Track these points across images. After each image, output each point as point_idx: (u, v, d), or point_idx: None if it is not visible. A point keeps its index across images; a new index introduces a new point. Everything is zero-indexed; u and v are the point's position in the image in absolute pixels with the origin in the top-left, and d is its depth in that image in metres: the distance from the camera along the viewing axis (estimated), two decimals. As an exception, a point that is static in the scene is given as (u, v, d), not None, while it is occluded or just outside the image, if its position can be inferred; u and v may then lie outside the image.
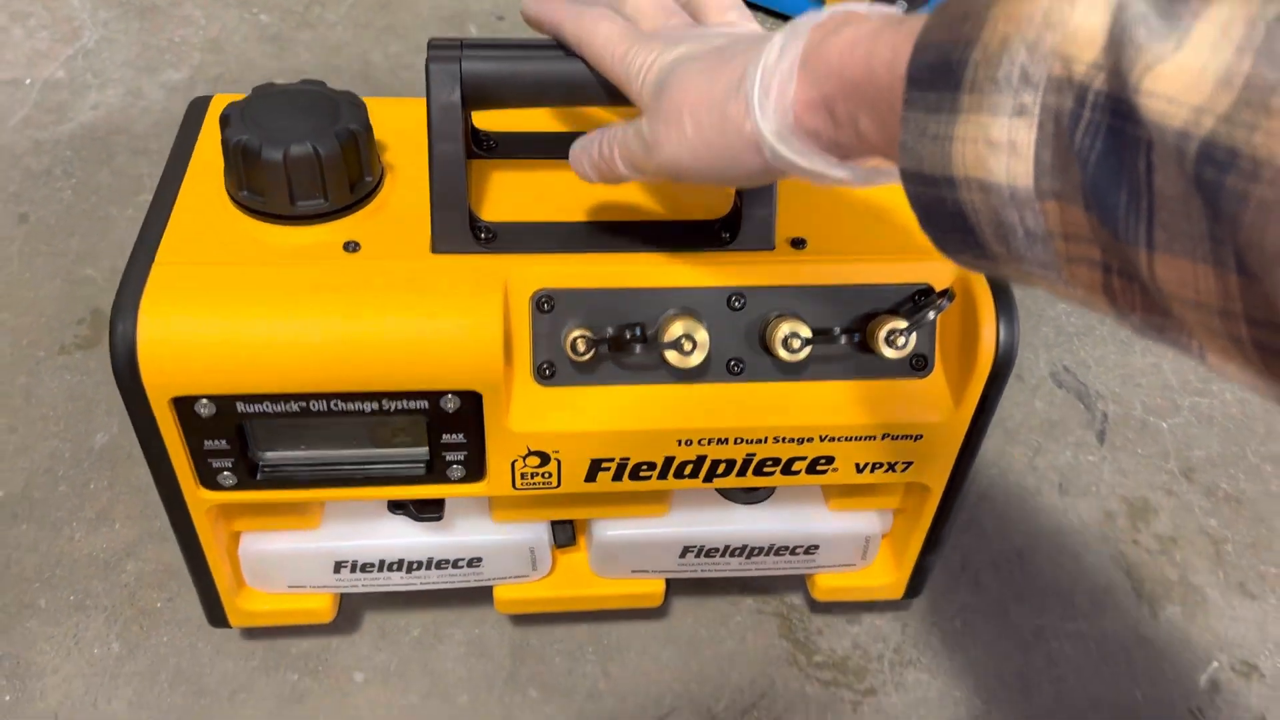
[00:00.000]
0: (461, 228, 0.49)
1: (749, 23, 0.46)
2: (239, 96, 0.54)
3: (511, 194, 0.52)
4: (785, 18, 0.99)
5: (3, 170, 0.83)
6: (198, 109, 0.56)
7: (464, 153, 0.48)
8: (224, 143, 0.48)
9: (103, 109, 0.87)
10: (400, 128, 0.54)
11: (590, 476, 0.52)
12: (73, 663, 0.63)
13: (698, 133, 0.40)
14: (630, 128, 0.44)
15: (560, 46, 0.47)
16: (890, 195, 0.53)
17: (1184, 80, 0.24)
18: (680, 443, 0.51)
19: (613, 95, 0.47)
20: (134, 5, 0.94)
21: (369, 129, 0.50)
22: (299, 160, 0.47)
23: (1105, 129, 0.26)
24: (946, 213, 0.31)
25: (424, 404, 0.48)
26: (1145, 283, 0.27)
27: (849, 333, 0.50)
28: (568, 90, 0.47)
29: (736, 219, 0.50)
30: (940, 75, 0.30)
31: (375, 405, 0.48)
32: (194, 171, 0.52)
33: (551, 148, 0.54)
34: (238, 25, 0.94)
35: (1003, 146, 0.29)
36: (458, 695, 0.63)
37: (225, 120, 0.48)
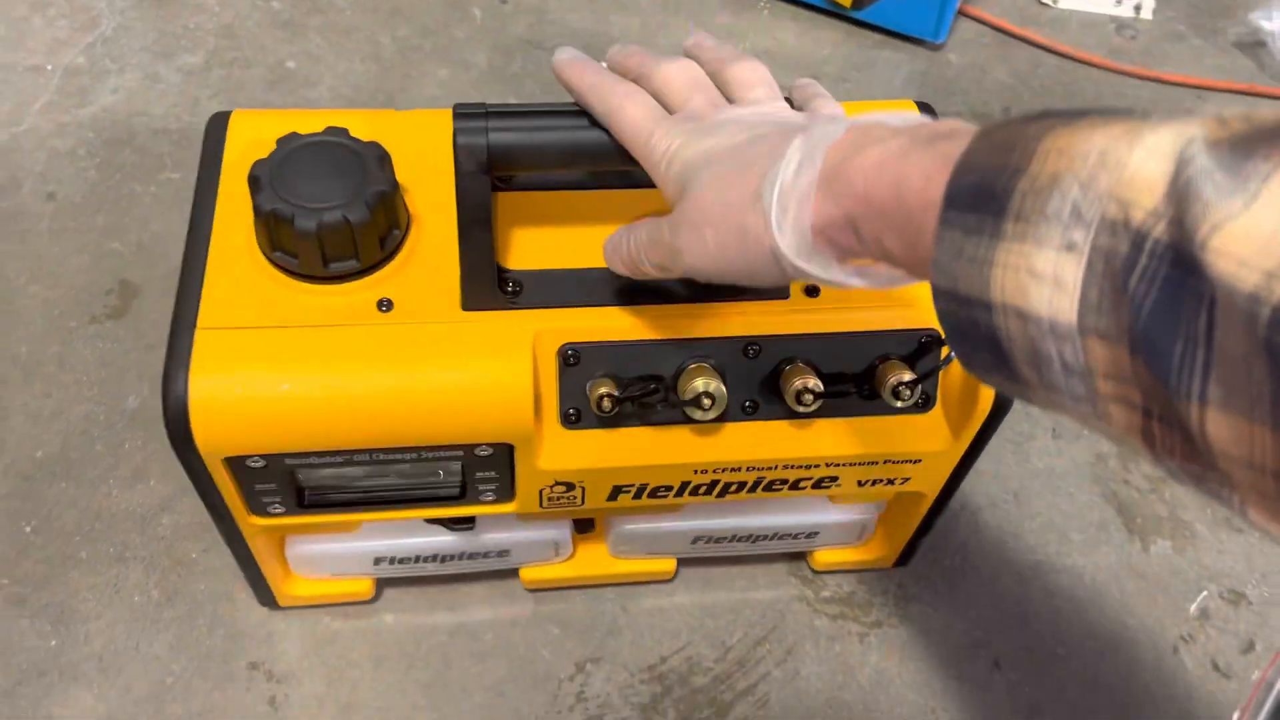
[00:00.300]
0: (490, 287, 0.51)
1: (776, 100, 0.48)
2: (259, 114, 0.57)
3: (533, 234, 0.54)
4: (889, 33, 1.02)
5: (29, 152, 0.85)
6: (217, 128, 0.56)
7: (490, 218, 0.49)
8: (255, 209, 0.49)
9: (122, 92, 0.90)
10: (420, 156, 0.54)
11: (612, 498, 0.57)
12: (114, 610, 0.66)
13: (718, 243, 0.41)
14: (655, 230, 0.45)
15: (582, 111, 0.49)
16: None
17: (1256, 243, 0.24)
18: (696, 471, 0.55)
19: (635, 163, 0.49)
20: (149, -6, 0.97)
21: (396, 186, 0.51)
22: (332, 229, 0.48)
23: (1163, 278, 0.26)
24: (979, 334, 0.31)
25: (459, 453, 0.52)
26: (1191, 434, 0.27)
27: (858, 382, 0.53)
28: (592, 159, 0.49)
29: None
30: (982, 199, 0.30)
31: (415, 455, 0.52)
32: (222, 217, 0.53)
33: (570, 176, 0.56)
34: (250, 12, 0.97)
35: (1047, 279, 0.29)
36: (483, 633, 0.66)
37: (255, 183, 0.49)
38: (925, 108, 0.61)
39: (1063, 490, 0.75)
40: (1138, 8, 1.04)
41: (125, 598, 0.66)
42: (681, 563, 0.69)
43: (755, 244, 0.39)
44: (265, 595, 0.64)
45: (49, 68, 0.91)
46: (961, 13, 1.02)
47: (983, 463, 0.75)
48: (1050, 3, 1.04)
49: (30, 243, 0.80)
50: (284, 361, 0.49)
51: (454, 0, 0.99)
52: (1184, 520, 0.74)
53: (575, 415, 0.53)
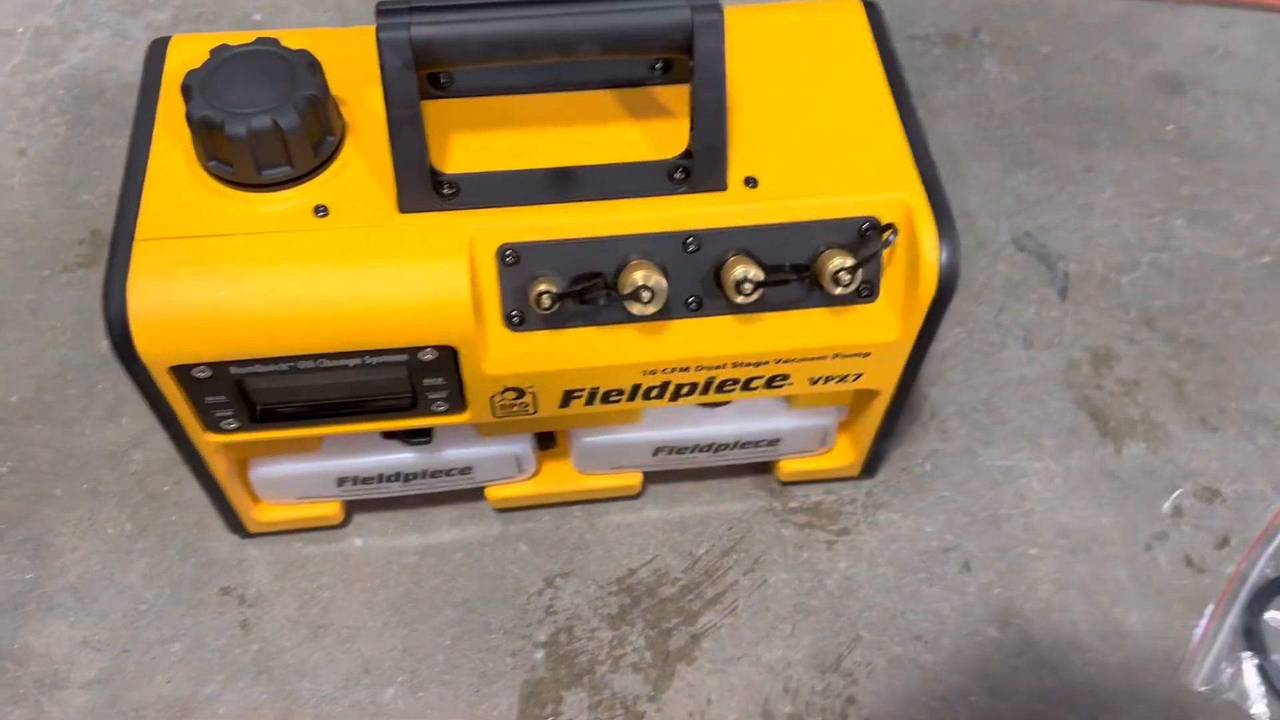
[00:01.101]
0: (424, 188, 0.51)
1: None
2: (197, 37, 0.57)
3: (470, 138, 0.54)
4: None
5: (0, 110, 0.86)
6: (157, 53, 0.57)
7: (420, 116, 0.49)
8: (187, 116, 0.50)
9: (91, 51, 0.91)
10: (356, 68, 0.54)
11: (564, 404, 0.57)
12: (89, 542, 0.66)
13: None
14: None
15: (510, 3, 0.48)
16: (836, 130, 0.55)
17: None
18: (645, 373, 0.55)
19: (563, 51, 0.49)
20: (117, -43, 0.98)
21: (327, 92, 0.51)
22: (262, 134, 0.49)
23: None
24: None
25: (403, 358, 0.52)
26: None
27: (799, 271, 0.53)
28: (519, 50, 0.49)
29: (689, 159, 0.52)
30: None
31: (359, 361, 0.52)
32: (160, 135, 0.53)
33: (507, 78, 0.56)
34: (217, -32, 0.97)
35: None
36: (453, 553, 0.67)
37: (186, 92, 0.50)
38: (870, 5, 0.61)
39: (1034, 398, 0.74)
40: (1110, -75, 1.02)
41: (99, 531, 0.67)
42: (648, 479, 0.69)
43: None
44: (234, 522, 0.65)
45: (19, 30, 0.92)
46: (929, -63, 1.01)
47: (952, 373, 0.75)
48: (1021, -76, 1.03)
49: (3, 197, 0.81)
50: (221, 268, 0.49)
51: (419, -52, 0.99)
52: (1158, 422, 0.73)
53: (519, 318, 0.53)
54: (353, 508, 0.68)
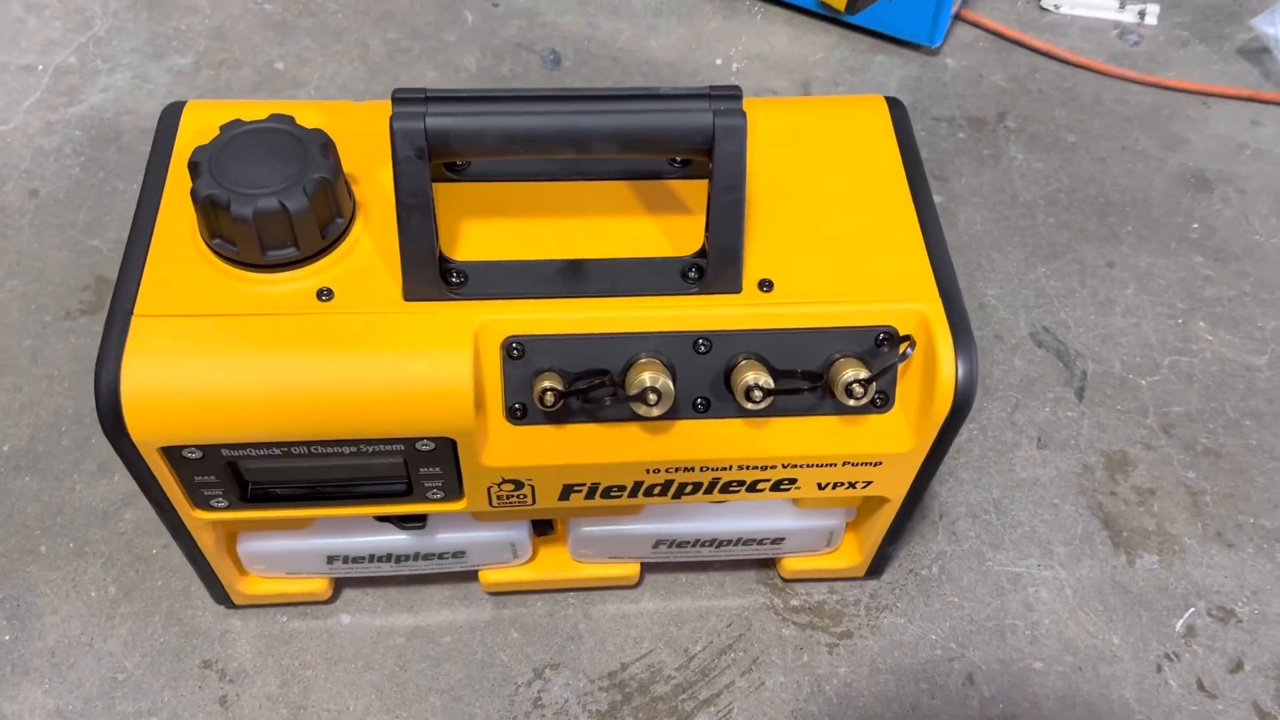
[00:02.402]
0: (432, 277, 0.49)
1: None
2: (213, 104, 0.56)
3: (481, 225, 0.53)
4: (883, 37, 1.01)
5: (15, 149, 0.86)
6: (170, 119, 0.56)
7: (431, 205, 0.48)
8: (193, 194, 0.48)
9: (111, 92, 0.90)
10: (372, 145, 0.53)
11: (563, 497, 0.55)
12: (70, 604, 0.65)
13: None
14: None
15: (528, 98, 0.47)
16: (855, 234, 0.54)
17: None
18: (649, 471, 0.54)
19: (580, 149, 0.48)
20: (144, -3, 0.98)
21: (339, 173, 0.50)
22: (268, 215, 0.47)
23: None
24: None
25: (400, 447, 0.51)
26: None
27: (811, 380, 0.51)
28: (533, 145, 0.48)
29: (704, 259, 0.51)
30: None
31: (354, 449, 0.51)
32: (167, 206, 0.52)
33: (522, 166, 0.55)
34: (241, 14, 0.97)
35: None
36: (442, 636, 0.65)
37: (194, 169, 0.49)
38: (894, 103, 0.60)
39: (1046, 501, 0.72)
40: (1142, 13, 1.02)
41: (82, 593, 0.65)
42: (646, 569, 0.67)
43: None
44: (219, 593, 0.63)
45: (40, 67, 0.92)
46: (958, 17, 1.00)
47: (963, 471, 0.73)
48: (1051, 8, 1.02)
49: (10, 238, 0.81)
50: (218, 349, 0.48)
51: (446, 3, 0.99)
52: (1172, 534, 0.71)
53: (521, 411, 0.51)
54: (342, 583, 0.66)
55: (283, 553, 0.61)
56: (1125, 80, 0.97)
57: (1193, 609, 0.68)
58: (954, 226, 0.85)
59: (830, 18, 0.99)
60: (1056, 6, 1.02)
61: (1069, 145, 0.92)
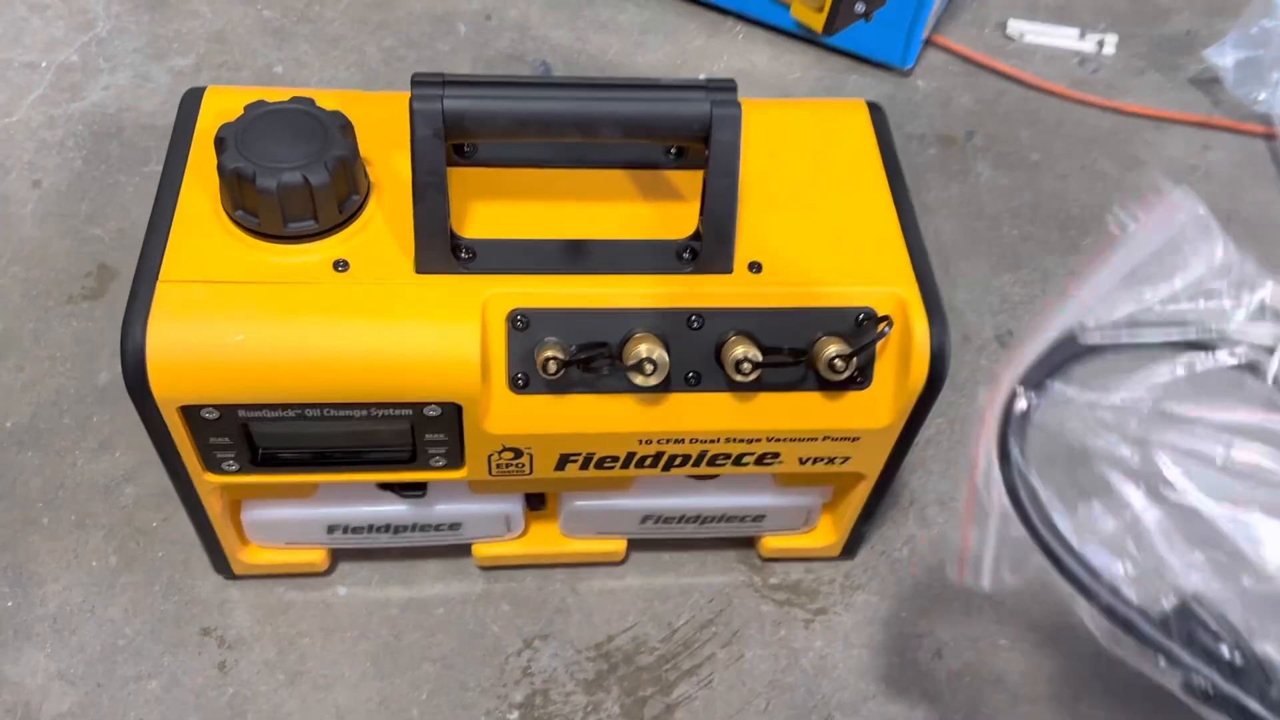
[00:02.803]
0: (443, 251, 0.53)
1: None
2: (232, 90, 0.59)
3: (490, 206, 0.56)
4: (858, 59, 1.05)
5: (19, 141, 0.88)
6: (191, 102, 0.59)
7: (445, 182, 0.51)
8: (220, 168, 0.51)
9: (113, 89, 0.93)
10: (384, 131, 0.57)
11: (560, 467, 0.58)
12: (72, 573, 0.67)
13: None
14: None
15: (538, 84, 0.51)
16: (838, 224, 0.58)
17: None
18: (641, 441, 0.57)
19: (587, 133, 0.51)
20: (144, 0, 1.01)
21: (356, 153, 0.53)
22: (291, 188, 0.51)
23: None
24: None
25: (409, 412, 0.54)
26: None
27: (796, 355, 0.55)
28: (544, 128, 0.51)
29: (698, 241, 0.55)
30: None
31: (365, 413, 0.54)
32: (190, 182, 0.55)
33: (526, 152, 0.58)
34: (241, 19, 1.00)
35: None
36: (435, 608, 0.67)
37: (220, 144, 0.52)
38: (874, 107, 0.64)
39: (1010, 491, 0.76)
40: (1100, 43, 1.07)
41: (83, 562, 0.67)
42: (632, 545, 0.70)
43: None
44: (221, 563, 0.65)
45: (44, 64, 0.94)
46: (929, 42, 1.05)
47: (933, 463, 0.77)
48: (1015, 36, 1.08)
49: (14, 226, 0.83)
50: (240, 314, 0.51)
51: (440, 15, 1.03)
52: (1128, 523, 0.75)
53: (524, 380, 0.55)
54: (338, 556, 0.68)
55: (285, 521, 0.63)
56: (1085, 104, 1.02)
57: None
58: (925, 235, 0.89)
59: (808, 39, 1.04)
60: (1021, 35, 1.08)
61: (1033, 163, 0.97)
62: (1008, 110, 1.01)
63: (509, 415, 0.55)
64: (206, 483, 0.57)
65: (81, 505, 0.69)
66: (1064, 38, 1.08)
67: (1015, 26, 1.08)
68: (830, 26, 1.01)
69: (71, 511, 0.69)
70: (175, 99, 0.92)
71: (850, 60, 1.03)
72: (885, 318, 0.55)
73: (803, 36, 1.04)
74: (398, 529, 0.65)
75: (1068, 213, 0.94)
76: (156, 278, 0.52)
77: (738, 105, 0.52)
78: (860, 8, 0.99)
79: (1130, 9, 1.12)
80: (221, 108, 0.58)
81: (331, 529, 0.64)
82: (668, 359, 0.53)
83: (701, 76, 0.53)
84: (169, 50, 0.97)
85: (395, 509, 0.63)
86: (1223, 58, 1.01)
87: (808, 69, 1.03)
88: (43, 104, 0.91)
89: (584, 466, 0.58)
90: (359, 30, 1.01)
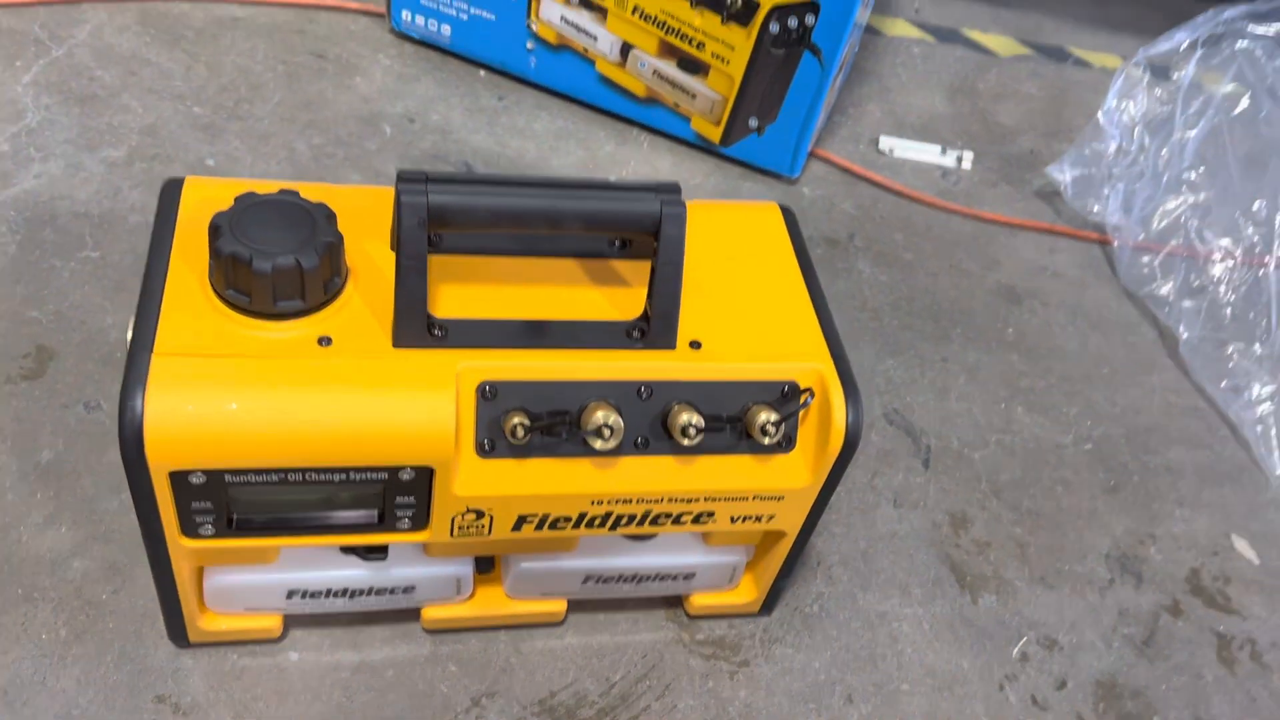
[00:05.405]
0: (420, 328, 0.59)
1: None
2: (211, 181, 0.64)
3: (458, 289, 0.63)
4: (751, 168, 1.15)
5: (-51, 226, 0.90)
6: (172, 191, 0.64)
7: (425, 267, 0.57)
8: (215, 251, 0.56)
9: (45, 178, 0.95)
10: (360, 221, 0.62)
11: (516, 527, 0.64)
12: (21, 647, 0.68)
13: None
14: None
15: (510, 182, 0.58)
16: (763, 308, 0.66)
17: None
18: (593, 502, 0.63)
19: (553, 226, 0.59)
20: (74, 94, 1.04)
21: (341, 239, 0.59)
22: (284, 271, 0.56)
23: None
24: None
25: (384, 475, 0.59)
26: None
27: (732, 422, 0.63)
28: (516, 220, 0.58)
29: (646, 322, 0.63)
30: None
31: (344, 476, 0.58)
32: (177, 262, 0.60)
33: (492, 242, 0.65)
34: (172, 115, 1.04)
35: None
36: (385, 670, 0.71)
37: (215, 231, 0.57)
38: (786, 210, 0.74)
39: (904, 551, 0.85)
40: (959, 159, 1.22)
41: (33, 635, 0.68)
42: (570, 607, 0.75)
43: None
44: (178, 631, 0.68)
45: (-28, 152, 0.96)
46: (813, 154, 1.17)
47: (836, 526, 0.85)
48: (886, 152, 1.21)
49: (-53, 308, 0.84)
50: (232, 385, 0.55)
51: (366, 116, 1.09)
52: (1006, 579, 0.85)
53: (490, 445, 0.60)
54: (290, 622, 0.71)
55: (247, 586, 0.66)
56: (949, 212, 1.16)
57: (1025, 638, 0.81)
58: (818, 324, 1.00)
59: (706, 149, 1.15)
60: (891, 150, 1.21)
61: (906, 262, 1.09)
62: (883, 215, 1.14)
63: (475, 478, 0.60)
64: (181, 547, 0.60)
65: (28, 579, 0.70)
66: (928, 154, 1.22)
67: (886, 142, 1.22)
68: (727, 138, 1.12)
69: (18, 586, 0.70)
70: (108, 188, 0.96)
71: (744, 169, 1.15)
72: (808, 389, 0.63)
73: (702, 146, 1.15)
74: (354, 593, 0.68)
75: (939, 305, 1.05)
76: (151, 350, 0.56)
77: (683, 205, 0.60)
78: (753, 123, 1.10)
79: (983, 130, 1.27)
80: (202, 196, 0.63)
81: (290, 594, 0.67)
82: (623, 424, 0.60)
83: (612, 178, 0.61)
84: (101, 141, 1.00)
85: (353, 573, 0.67)
86: (1062, 174, 1.16)
87: (707, 175, 1.13)
88: (-27, 190, 0.93)
89: (539, 527, 0.64)
90: (288, 128, 1.06)
